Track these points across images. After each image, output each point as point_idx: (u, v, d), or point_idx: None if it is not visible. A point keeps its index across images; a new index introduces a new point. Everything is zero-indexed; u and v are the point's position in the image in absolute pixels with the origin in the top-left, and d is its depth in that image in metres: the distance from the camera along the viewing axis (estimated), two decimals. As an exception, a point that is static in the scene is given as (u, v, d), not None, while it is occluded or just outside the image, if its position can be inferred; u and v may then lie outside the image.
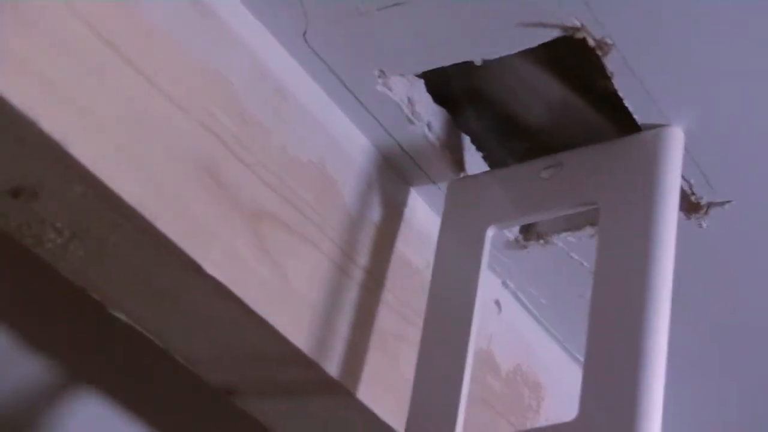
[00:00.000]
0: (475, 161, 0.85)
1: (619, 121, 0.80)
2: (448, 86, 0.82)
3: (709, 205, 0.82)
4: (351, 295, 0.79)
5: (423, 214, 0.87)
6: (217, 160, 0.70)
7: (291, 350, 0.75)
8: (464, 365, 0.77)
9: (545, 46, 0.73)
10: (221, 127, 0.71)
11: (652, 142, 0.77)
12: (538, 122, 0.85)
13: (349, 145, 0.81)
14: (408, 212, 0.86)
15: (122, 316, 0.75)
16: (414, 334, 0.83)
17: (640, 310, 0.72)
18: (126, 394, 0.86)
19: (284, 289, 0.74)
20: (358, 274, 0.80)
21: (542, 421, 0.96)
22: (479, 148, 0.85)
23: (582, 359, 0.98)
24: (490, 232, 0.81)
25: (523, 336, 0.95)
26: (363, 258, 0.81)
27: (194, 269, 0.69)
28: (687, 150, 0.78)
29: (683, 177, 0.80)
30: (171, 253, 0.68)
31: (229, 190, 0.71)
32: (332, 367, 0.77)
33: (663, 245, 0.75)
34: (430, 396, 0.78)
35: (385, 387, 0.81)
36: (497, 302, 0.92)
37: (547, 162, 0.82)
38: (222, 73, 0.72)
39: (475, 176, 0.84)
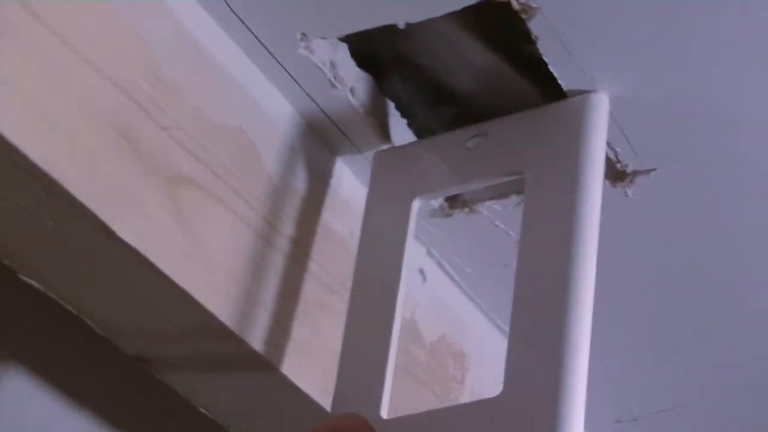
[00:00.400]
0: (400, 128, 0.83)
1: (546, 87, 0.78)
2: (373, 51, 0.81)
3: (635, 173, 0.81)
4: (273, 264, 0.78)
5: (348, 183, 0.85)
6: (131, 122, 0.68)
7: (209, 319, 0.73)
8: (390, 336, 0.76)
9: (471, 10, 0.72)
10: (137, 89, 0.69)
11: (577, 109, 0.76)
12: (465, 88, 0.84)
13: (271, 110, 0.79)
14: (333, 181, 0.84)
15: (34, 283, 0.73)
16: (338, 304, 0.82)
17: (564, 281, 0.71)
18: (40, 363, 0.84)
19: (201, 255, 0.72)
20: (280, 243, 0.78)
21: (466, 392, 0.95)
22: (404, 115, 0.84)
23: (507, 330, 0.98)
24: (416, 204, 0.80)
25: (447, 305, 0.94)
26: (286, 226, 0.79)
27: (106, 233, 0.67)
28: (612, 117, 0.77)
29: (608, 145, 0.79)
30: (82, 217, 0.66)
31: (144, 153, 0.69)
32: (255, 339, 0.76)
33: (588, 214, 0.73)
34: (357, 367, 0.76)
35: (310, 360, 0.80)
36: (421, 271, 0.91)
37: (472, 131, 0.81)
38: (139, 34, 0.70)
39: (401, 147, 0.83)
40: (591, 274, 0.73)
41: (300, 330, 0.79)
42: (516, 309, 0.73)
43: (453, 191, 0.83)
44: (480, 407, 0.72)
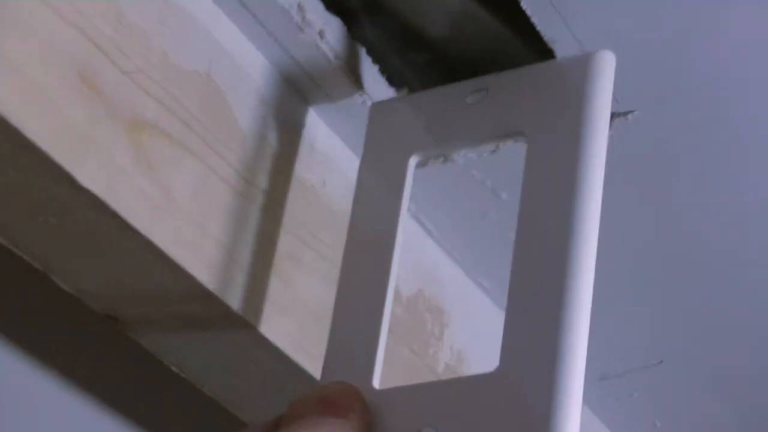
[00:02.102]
0: (372, 74, 0.81)
1: (522, 30, 0.76)
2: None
3: (612, 115, 0.79)
4: (243, 215, 0.75)
5: (321, 132, 0.83)
6: (93, 66, 0.66)
7: (179, 274, 0.71)
8: (384, 302, 0.73)
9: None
10: (98, 32, 0.66)
11: (584, 68, 0.72)
12: (439, 33, 0.82)
13: (239, 57, 0.77)
14: (305, 131, 0.82)
15: (-3, 237, 0.71)
16: (310, 257, 0.80)
17: (566, 254, 0.68)
18: (4, 321, 0.82)
19: (168, 204, 0.69)
20: (253, 194, 0.76)
21: (445, 349, 0.93)
22: (376, 61, 0.81)
23: (486, 285, 0.96)
24: (413, 162, 0.77)
25: (424, 260, 0.92)
26: (257, 177, 0.77)
27: (68, 181, 0.64)
28: (589, 55, 0.75)
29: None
30: (42, 164, 0.64)
31: (106, 97, 0.66)
32: (229, 295, 0.73)
33: (592, 182, 0.70)
34: (348, 334, 0.73)
35: (284, 315, 0.78)
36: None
37: (472, 85, 0.77)
38: (100, -24, 0.67)
39: (399, 99, 0.80)
40: (593, 246, 0.69)
41: (273, 284, 0.76)
42: (514, 281, 0.69)
43: (451, 150, 0.80)
44: (476, 382, 0.69)
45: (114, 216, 0.67)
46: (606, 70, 0.72)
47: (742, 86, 0.78)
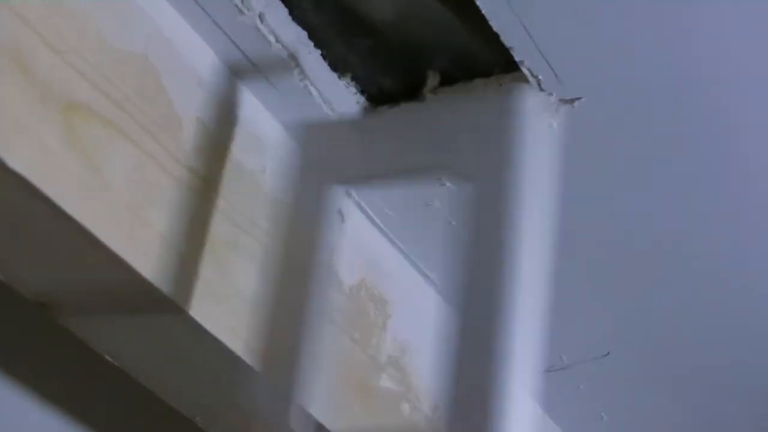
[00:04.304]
0: (314, 59, 0.79)
1: (467, 15, 0.75)
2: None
3: (559, 101, 0.78)
4: (179, 200, 0.73)
5: (260, 116, 0.81)
6: (24, 47, 0.64)
7: (111, 258, 0.69)
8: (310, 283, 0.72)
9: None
10: (30, 11, 0.64)
11: (517, 111, 0.71)
12: (384, 18, 0.80)
13: (176, 38, 0.75)
14: (242, 113, 0.80)
15: None
16: (248, 242, 0.78)
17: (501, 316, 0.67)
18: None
19: (100, 187, 0.67)
20: (187, 178, 0.74)
21: (388, 339, 0.92)
22: (318, 45, 0.80)
23: (430, 275, 0.95)
24: (339, 191, 0.76)
25: (368, 249, 0.91)
26: (193, 161, 0.75)
27: (-3, 164, 0.63)
28: (533, 41, 0.74)
29: (530, 72, 0.76)
30: (-30, 146, 0.62)
31: (37, 79, 0.64)
32: (161, 280, 0.71)
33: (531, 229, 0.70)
34: (278, 316, 0.72)
35: (218, 301, 0.76)
36: (340, 212, 0.87)
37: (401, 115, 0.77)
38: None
39: (330, 125, 0.79)
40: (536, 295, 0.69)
41: (208, 270, 0.75)
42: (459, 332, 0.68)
43: (373, 180, 0.79)
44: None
45: (44, 200, 0.65)
46: (544, 116, 0.72)
47: (693, 74, 0.77)
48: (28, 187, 0.64)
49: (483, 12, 0.73)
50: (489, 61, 0.81)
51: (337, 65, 0.81)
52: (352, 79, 0.83)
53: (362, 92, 0.84)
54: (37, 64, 0.65)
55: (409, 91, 0.84)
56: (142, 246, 0.70)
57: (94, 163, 0.67)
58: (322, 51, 0.80)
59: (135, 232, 0.69)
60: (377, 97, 0.84)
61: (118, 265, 0.69)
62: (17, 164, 0.63)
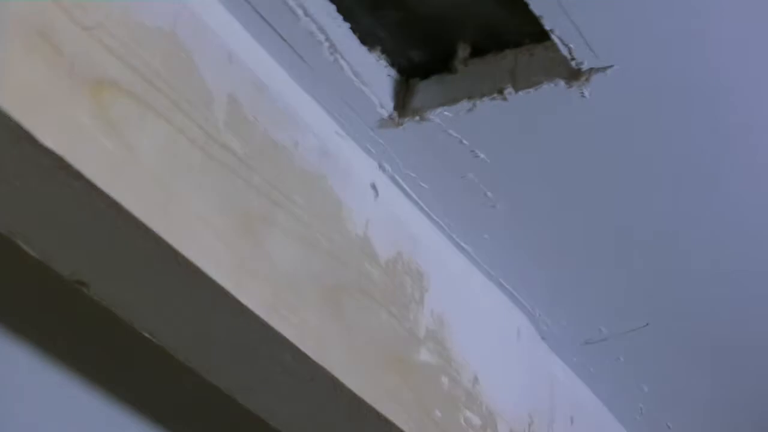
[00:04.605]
0: (343, 33, 0.79)
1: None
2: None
3: (591, 70, 0.77)
4: (212, 176, 0.73)
5: (289, 89, 0.81)
6: (52, 23, 0.64)
7: (145, 235, 0.69)
8: None
9: None
10: (56, -14, 0.65)
11: None
12: (410, -10, 0.80)
13: (205, 13, 0.75)
14: (273, 88, 0.80)
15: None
16: (283, 217, 0.78)
17: None
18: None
19: (132, 163, 0.67)
20: (218, 153, 0.74)
21: (426, 314, 0.91)
22: (347, 19, 0.79)
23: (466, 247, 0.94)
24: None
25: (403, 222, 0.90)
26: (224, 135, 0.75)
27: (29, 141, 0.63)
28: (565, 12, 0.73)
29: (561, 41, 0.75)
30: (4, 126, 0.62)
31: (67, 56, 0.64)
32: (197, 256, 0.71)
33: None
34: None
35: (254, 277, 0.76)
36: (373, 186, 0.87)
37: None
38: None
39: None
40: None
41: (244, 247, 0.75)
42: None
43: None
44: None
45: (77, 175, 0.65)
46: None
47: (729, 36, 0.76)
48: (61, 164, 0.64)
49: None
50: (519, 31, 0.80)
51: (366, 39, 0.81)
52: (382, 52, 0.83)
53: (392, 65, 0.84)
54: (64, 41, 0.65)
55: (440, 62, 0.84)
56: (175, 221, 0.70)
57: (126, 139, 0.67)
58: (351, 24, 0.80)
59: (168, 207, 0.70)
60: (408, 70, 0.84)
61: (153, 242, 0.69)
62: (49, 141, 0.63)
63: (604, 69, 0.77)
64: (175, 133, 0.71)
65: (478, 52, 0.83)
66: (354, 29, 0.80)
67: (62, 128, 0.64)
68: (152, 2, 0.71)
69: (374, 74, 0.82)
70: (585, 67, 0.77)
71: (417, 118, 0.83)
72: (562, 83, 0.78)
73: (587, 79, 0.78)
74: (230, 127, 0.75)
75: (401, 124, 0.83)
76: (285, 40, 0.78)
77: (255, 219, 0.76)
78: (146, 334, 0.79)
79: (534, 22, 0.75)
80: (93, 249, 0.71)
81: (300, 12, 0.76)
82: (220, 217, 0.73)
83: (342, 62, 0.79)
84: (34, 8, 0.63)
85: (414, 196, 0.90)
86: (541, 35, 0.78)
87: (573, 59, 0.77)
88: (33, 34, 0.63)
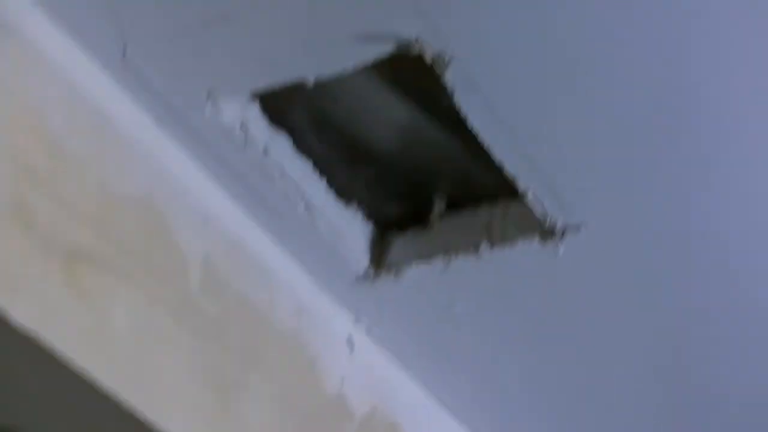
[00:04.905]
0: (318, 189, 0.79)
1: (469, 143, 0.75)
2: (286, 109, 0.77)
3: (565, 229, 0.78)
4: (186, 342, 0.73)
5: (265, 248, 0.81)
6: (26, 197, 0.64)
7: (114, 405, 0.68)
8: None
9: (386, 65, 0.69)
10: (32, 162, 0.65)
11: None
12: (385, 146, 0.80)
13: (181, 177, 0.75)
14: (249, 247, 0.80)
15: None
16: (256, 379, 0.77)
17: None
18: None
19: (104, 335, 0.67)
20: (192, 318, 0.74)
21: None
22: (323, 175, 0.80)
23: (442, 397, 0.94)
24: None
25: (379, 375, 0.90)
26: (198, 299, 0.74)
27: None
28: (539, 173, 0.74)
29: (536, 200, 0.76)
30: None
31: (39, 231, 0.64)
32: (172, 427, 0.71)
33: None
34: None
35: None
36: (350, 340, 0.87)
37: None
38: (32, 101, 0.65)
39: None
40: None
41: (218, 411, 0.74)
42: None
43: None
44: None
45: (47, 351, 0.64)
46: None
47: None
48: (32, 340, 0.63)
49: (485, 145, 0.73)
50: (494, 186, 0.81)
51: (342, 193, 0.81)
52: (359, 206, 0.83)
53: (369, 219, 0.84)
54: (39, 217, 0.64)
55: (417, 215, 0.84)
56: (147, 391, 0.69)
57: (98, 310, 0.67)
58: (327, 180, 0.80)
59: (140, 378, 0.69)
60: (384, 223, 0.84)
61: (127, 415, 0.68)
62: (21, 318, 0.62)
63: (577, 227, 0.77)
64: (147, 301, 0.70)
65: (454, 205, 0.83)
66: (330, 184, 0.80)
67: (33, 303, 0.63)
68: (129, 171, 0.71)
69: (350, 229, 0.82)
70: (559, 225, 0.77)
71: (393, 273, 0.83)
72: (536, 241, 0.79)
73: (561, 237, 0.78)
74: (204, 290, 0.75)
75: (377, 279, 0.83)
76: (261, 199, 0.78)
77: (228, 383, 0.75)
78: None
79: (509, 179, 0.76)
80: (65, 422, 0.70)
81: (276, 172, 0.76)
82: (193, 384, 0.72)
83: (318, 220, 0.79)
84: (10, 183, 0.63)
85: (390, 348, 0.90)
86: (516, 191, 0.78)
87: (547, 217, 0.77)
88: (7, 209, 0.63)
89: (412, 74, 0.71)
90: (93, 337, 0.66)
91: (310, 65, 0.69)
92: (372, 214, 0.84)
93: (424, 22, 0.64)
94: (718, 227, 0.78)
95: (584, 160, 0.73)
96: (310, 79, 0.69)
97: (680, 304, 0.83)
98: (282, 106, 0.76)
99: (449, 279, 0.82)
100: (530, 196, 0.76)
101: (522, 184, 0.75)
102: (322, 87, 0.71)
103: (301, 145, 0.78)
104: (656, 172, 0.74)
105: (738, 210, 0.76)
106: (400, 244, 0.84)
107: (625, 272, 0.81)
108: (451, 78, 0.67)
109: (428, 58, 0.66)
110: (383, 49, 0.66)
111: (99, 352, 0.66)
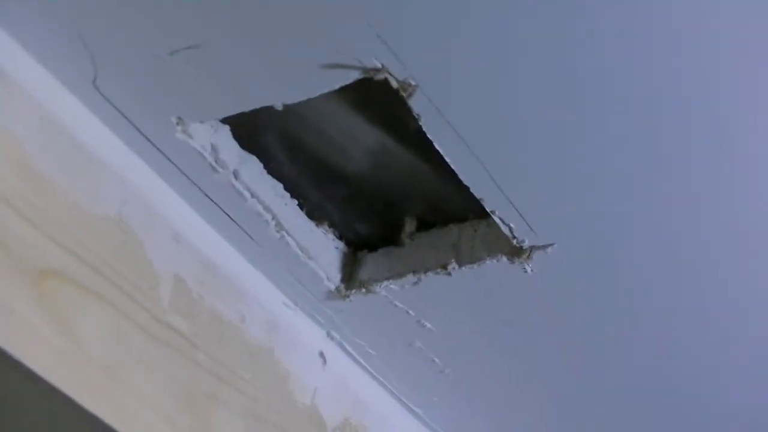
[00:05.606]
0: (289, 209, 0.81)
1: (435, 164, 0.76)
2: (257, 132, 0.78)
3: (532, 248, 0.79)
4: (157, 358, 0.74)
5: (236, 266, 0.82)
6: (-2, 220, 0.65)
7: (89, 420, 0.70)
8: None
9: (353, 90, 0.70)
10: (5, 184, 0.66)
11: None
12: (356, 167, 0.82)
13: (152, 197, 0.76)
14: (221, 265, 0.81)
15: None
16: (229, 392, 0.79)
17: None
18: None
19: (74, 351, 0.68)
20: (164, 334, 0.75)
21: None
22: (294, 196, 0.81)
23: (414, 408, 0.95)
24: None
25: (351, 388, 0.91)
26: (170, 316, 0.76)
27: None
28: (505, 195, 0.75)
29: (503, 221, 0.77)
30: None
31: (11, 250, 0.66)
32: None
33: None
34: None
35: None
36: (322, 354, 0.88)
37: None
38: (4, 125, 0.67)
39: None
40: None
41: (189, 425, 0.75)
42: None
43: None
44: None
45: (17, 366, 0.65)
46: None
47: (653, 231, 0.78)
48: (2, 357, 0.65)
49: (452, 167, 0.74)
50: (463, 207, 0.82)
51: (314, 213, 0.83)
52: (330, 225, 0.84)
53: (340, 238, 0.85)
54: (10, 237, 0.66)
55: (388, 234, 0.85)
56: (118, 406, 0.70)
57: (68, 326, 0.68)
58: (298, 201, 0.81)
59: (112, 393, 0.70)
60: (355, 242, 0.86)
61: (98, 428, 0.70)
62: (-8, 336, 0.64)
63: (544, 247, 0.79)
64: (119, 318, 0.72)
65: (424, 224, 0.85)
66: (302, 204, 0.82)
67: (2, 321, 0.65)
68: (100, 191, 0.72)
69: (321, 248, 0.83)
70: (526, 245, 0.78)
71: (363, 290, 0.84)
72: (504, 259, 0.80)
73: (529, 256, 0.79)
74: (176, 307, 0.76)
75: (348, 296, 0.84)
76: (233, 220, 0.79)
77: (200, 397, 0.77)
78: None
79: (477, 199, 0.77)
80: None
81: (247, 194, 0.77)
82: (165, 399, 0.74)
83: (288, 239, 0.81)
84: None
85: (362, 362, 0.91)
86: (484, 211, 0.79)
87: (514, 237, 0.78)
88: (-21, 230, 0.64)
89: (380, 98, 0.72)
90: (64, 355, 0.67)
91: (277, 92, 0.70)
92: (344, 233, 0.85)
93: (388, 51, 0.66)
94: (689, 245, 0.79)
95: (550, 182, 0.74)
96: (278, 105, 0.71)
97: (650, 321, 0.85)
98: (252, 128, 0.77)
99: (419, 296, 0.84)
100: (497, 219, 0.77)
101: (489, 205, 0.76)
102: (292, 110, 0.73)
103: (273, 166, 0.80)
104: (625, 191, 0.75)
105: (710, 226, 0.77)
106: (371, 262, 0.85)
107: (595, 290, 0.82)
108: (416, 104, 0.68)
109: (393, 84, 0.67)
110: (349, 76, 0.68)
111: (71, 370, 0.68)
